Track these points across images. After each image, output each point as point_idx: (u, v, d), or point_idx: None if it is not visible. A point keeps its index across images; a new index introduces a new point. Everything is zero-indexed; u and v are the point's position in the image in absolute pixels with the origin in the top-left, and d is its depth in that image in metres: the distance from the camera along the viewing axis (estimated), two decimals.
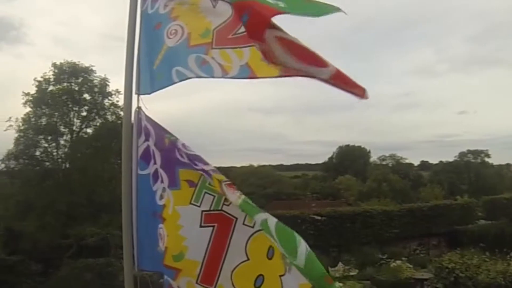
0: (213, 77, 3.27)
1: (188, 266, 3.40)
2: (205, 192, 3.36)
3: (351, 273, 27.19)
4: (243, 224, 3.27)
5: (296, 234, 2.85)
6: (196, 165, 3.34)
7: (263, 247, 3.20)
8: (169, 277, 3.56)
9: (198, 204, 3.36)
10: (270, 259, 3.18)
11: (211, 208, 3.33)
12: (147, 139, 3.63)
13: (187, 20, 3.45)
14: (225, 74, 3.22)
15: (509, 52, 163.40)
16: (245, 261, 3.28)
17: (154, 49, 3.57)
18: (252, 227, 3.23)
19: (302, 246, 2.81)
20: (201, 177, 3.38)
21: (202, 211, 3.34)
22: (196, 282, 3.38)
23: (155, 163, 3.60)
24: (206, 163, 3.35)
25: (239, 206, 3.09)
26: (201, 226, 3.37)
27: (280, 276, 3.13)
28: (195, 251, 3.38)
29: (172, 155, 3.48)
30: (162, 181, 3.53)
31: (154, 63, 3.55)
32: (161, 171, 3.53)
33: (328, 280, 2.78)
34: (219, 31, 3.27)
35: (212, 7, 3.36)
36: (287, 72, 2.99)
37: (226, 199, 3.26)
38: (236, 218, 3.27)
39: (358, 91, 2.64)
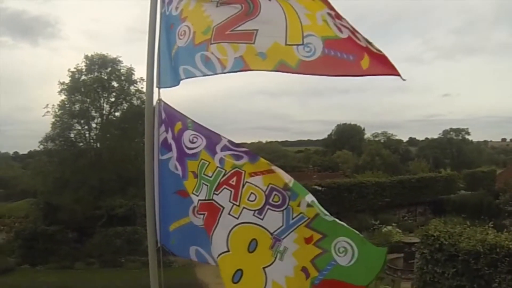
0: (215, 73, 3.22)
1: None
2: (203, 183, 3.30)
3: None
4: (229, 214, 3.20)
5: None
6: (215, 153, 3.32)
7: (245, 240, 3.14)
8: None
9: (197, 194, 3.32)
10: (251, 252, 3.11)
11: (205, 198, 3.28)
12: (166, 130, 3.59)
13: (193, 20, 3.39)
14: (223, 69, 3.19)
15: (488, 42, 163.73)
16: (226, 252, 3.20)
17: (170, 48, 3.51)
18: (237, 218, 3.17)
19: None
20: (199, 166, 3.32)
21: (199, 200, 3.30)
22: None
23: (172, 151, 3.56)
24: (238, 151, 3.34)
25: (293, 186, 3.16)
26: (197, 215, 3.42)
27: (264, 267, 3.08)
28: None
29: (180, 146, 3.45)
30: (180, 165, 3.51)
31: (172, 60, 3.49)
32: (176, 163, 3.49)
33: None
34: (219, 28, 3.22)
35: (215, 7, 3.30)
36: (282, 68, 3.02)
37: (217, 188, 3.22)
38: (223, 208, 3.21)
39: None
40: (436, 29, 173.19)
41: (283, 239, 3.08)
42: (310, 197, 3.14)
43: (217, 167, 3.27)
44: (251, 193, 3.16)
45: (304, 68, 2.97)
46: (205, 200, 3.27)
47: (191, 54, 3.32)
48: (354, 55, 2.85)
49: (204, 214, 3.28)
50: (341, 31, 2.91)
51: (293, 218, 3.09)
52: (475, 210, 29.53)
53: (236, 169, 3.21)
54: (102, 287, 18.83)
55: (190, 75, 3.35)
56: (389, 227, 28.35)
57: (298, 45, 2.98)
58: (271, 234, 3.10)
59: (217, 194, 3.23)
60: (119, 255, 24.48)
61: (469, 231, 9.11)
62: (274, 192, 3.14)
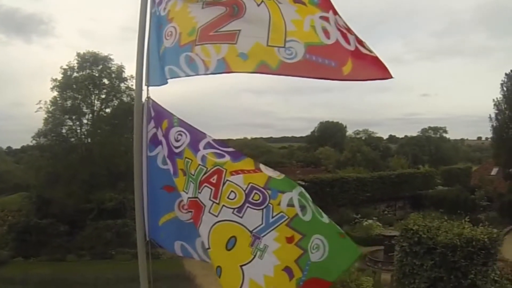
0: (197, 74, 3.19)
1: None
2: (190, 180, 3.28)
3: None
4: (209, 212, 3.17)
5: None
6: (197, 150, 3.28)
7: (223, 238, 3.11)
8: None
9: (187, 191, 3.30)
10: (229, 250, 3.08)
11: (192, 195, 3.26)
12: (155, 127, 3.57)
13: (179, 21, 3.36)
14: (206, 70, 3.15)
15: (466, 45, 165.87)
16: (208, 249, 3.21)
17: (159, 48, 3.47)
18: (217, 216, 3.14)
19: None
20: (184, 164, 3.31)
21: (188, 197, 3.29)
22: None
23: (163, 148, 3.54)
24: (222, 149, 3.32)
25: (277, 183, 3.14)
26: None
27: (241, 265, 3.04)
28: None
29: (169, 144, 3.43)
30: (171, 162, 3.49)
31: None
32: (167, 160, 3.48)
33: (341, 236, 3.30)
34: (203, 29, 3.19)
35: (201, 8, 3.27)
36: (262, 69, 3.00)
37: (199, 186, 3.20)
38: (205, 205, 3.18)
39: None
40: (417, 31, 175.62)
41: (262, 237, 3.04)
42: (297, 191, 3.15)
43: (199, 164, 3.24)
44: (231, 191, 3.13)
45: (284, 69, 2.94)
46: (192, 197, 3.25)
47: (176, 54, 3.30)
48: (336, 61, 2.84)
49: (192, 212, 3.27)
50: (328, 37, 2.89)
51: (273, 217, 3.05)
52: (452, 205, 29.72)
53: (217, 167, 3.18)
54: (93, 278, 18.77)
55: (174, 75, 3.33)
56: (370, 221, 28.56)
57: (279, 47, 2.96)
58: (251, 232, 3.06)
59: (200, 192, 3.20)
60: (109, 248, 24.55)
61: (447, 225, 9.17)
62: (254, 191, 3.10)
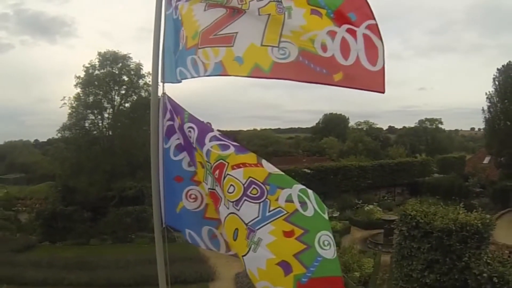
0: (199, 76, 3.19)
1: None
2: (208, 173, 3.28)
3: (334, 215, 27.36)
4: (224, 204, 3.16)
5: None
6: (203, 145, 3.25)
7: (231, 228, 3.09)
8: (212, 226, 3.58)
9: (206, 182, 3.31)
10: (235, 240, 3.06)
11: (211, 187, 3.26)
12: (170, 120, 3.58)
13: (186, 25, 3.35)
14: (205, 72, 3.14)
15: (460, 42, 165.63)
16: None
17: (176, 48, 3.47)
18: (228, 208, 3.12)
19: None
20: (201, 157, 3.30)
21: (208, 188, 3.30)
22: None
23: (178, 138, 3.56)
24: (223, 143, 3.27)
25: (276, 179, 3.07)
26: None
27: (243, 256, 3.00)
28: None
29: (187, 139, 3.43)
30: (189, 154, 3.49)
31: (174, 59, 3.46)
32: (185, 152, 3.53)
33: None
34: (204, 33, 3.16)
35: (203, 11, 3.24)
36: (256, 73, 2.94)
37: (217, 180, 3.17)
38: (221, 198, 3.18)
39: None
40: (413, 30, 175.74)
41: (257, 230, 2.96)
42: (297, 188, 3.03)
43: (205, 160, 3.23)
44: (231, 185, 3.08)
45: (277, 71, 2.88)
46: (211, 189, 3.26)
47: (184, 57, 3.30)
48: (328, 70, 2.78)
49: (211, 202, 3.30)
50: (324, 51, 2.79)
51: (270, 211, 2.97)
52: (447, 192, 29.66)
53: (220, 160, 3.14)
54: (114, 260, 18.85)
55: (183, 77, 3.34)
56: (371, 206, 28.55)
57: (273, 46, 2.90)
58: (246, 224, 3.00)
59: (217, 186, 3.19)
60: (129, 232, 24.73)
61: (442, 211, 9.14)
62: (253, 185, 3.04)
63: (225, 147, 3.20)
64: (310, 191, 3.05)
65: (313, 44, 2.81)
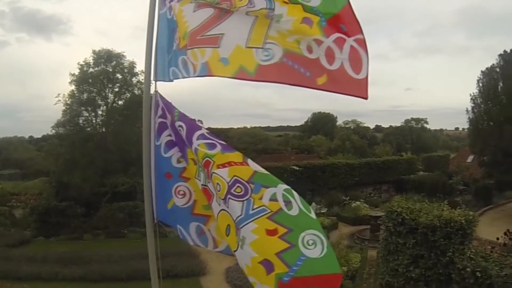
0: (189, 76, 3.17)
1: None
2: (200, 170, 3.27)
3: (322, 211, 27.43)
4: (215, 200, 3.14)
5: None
6: (191, 143, 3.24)
7: (224, 225, 3.06)
8: (200, 222, 3.55)
9: (200, 179, 3.29)
10: (227, 236, 3.03)
11: (204, 183, 3.25)
12: (162, 117, 3.56)
13: (179, 25, 3.32)
14: (194, 73, 3.12)
15: (446, 44, 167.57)
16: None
17: (170, 47, 3.46)
18: (219, 204, 3.10)
19: (311, 206, 2.91)
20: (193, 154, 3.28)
21: (202, 184, 3.27)
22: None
23: (168, 135, 3.54)
24: (208, 140, 3.24)
25: (261, 178, 3.02)
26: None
27: (234, 251, 2.99)
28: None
29: (179, 136, 3.41)
30: (179, 150, 3.47)
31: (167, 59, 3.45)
32: (177, 148, 3.51)
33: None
34: (192, 33, 3.13)
35: (192, 12, 3.21)
36: (241, 75, 2.90)
37: (208, 176, 3.14)
38: (213, 195, 3.15)
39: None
40: (402, 31, 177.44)
41: (241, 228, 2.93)
42: (282, 187, 2.97)
43: (196, 158, 3.24)
44: (217, 183, 3.05)
45: (261, 73, 2.83)
46: (204, 185, 3.24)
47: (177, 57, 3.30)
48: (311, 72, 2.73)
49: (205, 197, 3.26)
50: (310, 53, 2.76)
51: (253, 209, 2.92)
52: (432, 189, 29.85)
53: (206, 158, 3.11)
54: (108, 255, 18.80)
55: (175, 76, 3.33)
56: (358, 203, 28.65)
57: (257, 48, 2.86)
58: (234, 221, 2.98)
59: (209, 182, 3.17)
60: (122, 227, 24.64)
61: (427, 208, 9.19)
62: (237, 184, 3.00)
63: (211, 146, 3.17)
64: (294, 192, 2.99)
65: (298, 45, 2.78)
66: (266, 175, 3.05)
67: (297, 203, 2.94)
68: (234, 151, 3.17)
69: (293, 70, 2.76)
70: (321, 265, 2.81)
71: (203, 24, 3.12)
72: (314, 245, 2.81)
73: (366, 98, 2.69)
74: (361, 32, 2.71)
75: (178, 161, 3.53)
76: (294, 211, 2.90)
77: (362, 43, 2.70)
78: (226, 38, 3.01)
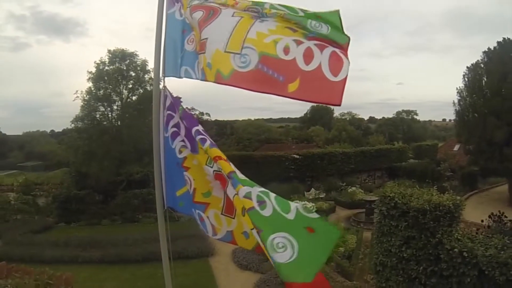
0: (202, 80, 3.07)
1: (215, 201, 3.40)
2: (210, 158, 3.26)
3: (320, 196, 27.55)
4: (229, 185, 3.08)
5: (290, 202, 2.86)
6: (196, 136, 3.27)
7: (239, 207, 2.95)
8: (200, 210, 3.53)
9: (211, 165, 3.25)
10: (243, 216, 2.92)
11: (217, 169, 3.20)
12: (169, 110, 3.59)
13: (195, 31, 3.28)
14: (202, 76, 3.08)
15: (434, 43, 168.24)
16: (235, 211, 3.21)
17: (178, 46, 3.43)
18: (234, 188, 3.01)
19: (293, 207, 2.79)
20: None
21: (214, 170, 3.23)
22: (221, 213, 3.39)
23: (173, 127, 3.57)
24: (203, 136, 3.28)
25: (243, 178, 3.00)
26: (215, 180, 3.29)
27: (251, 229, 2.84)
28: (217, 189, 3.36)
29: (184, 128, 3.47)
30: (182, 140, 3.46)
31: (178, 56, 3.41)
32: (185, 139, 3.46)
33: (309, 230, 2.74)
34: (197, 39, 3.14)
35: (190, 17, 3.25)
36: (218, 79, 2.84)
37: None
38: (228, 180, 3.08)
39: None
40: (394, 31, 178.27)
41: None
42: (257, 189, 2.89)
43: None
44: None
45: (235, 79, 2.73)
46: (217, 171, 3.20)
47: (194, 59, 3.24)
48: (284, 76, 2.57)
49: (219, 182, 3.23)
50: (286, 54, 2.61)
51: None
52: (421, 175, 29.84)
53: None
54: (124, 239, 18.87)
55: (188, 76, 3.28)
56: (353, 188, 28.69)
57: (235, 53, 2.78)
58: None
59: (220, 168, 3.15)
60: (136, 213, 24.81)
61: (418, 193, 9.16)
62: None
63: (203, 141, 3.19)
64: (272, 194, 2.88)
65: (275, 46, 2.65)
66: (244, 179, 2.98)
67: (273, 203, 2.80)
68: (216, 147, 3.18)
69: (267, 76, 2.62)
70: (288, 271, 2.53)
71: (197, 27, 3.11)
72: (284, 249, 2.58)
73: (338, 105, 2.48)
74: (346, 52, 2.59)
75: (180, 152, 3.52)
76: (267, 212, 2.74)
77: (345, 53, 2.57)
78: (209, 43, 2.97)
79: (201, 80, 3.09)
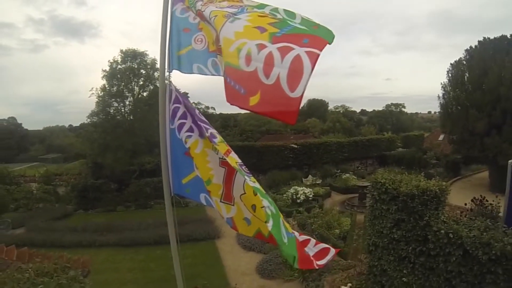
0: (219, 75, 3.05)
1: (215, 188, 3.36)
2: (214, 146, 3.30)
3: (317, 182, 27.54)
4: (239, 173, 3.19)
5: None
6: (206, 130, 3.30)
7: (250, 190, 3.09)
8: (207, 195, 3.53)
9: (217, 152, 3.30)
10: (255, 195, 3.03)
11: (222, 157, 3.25)
12: (176, 103, 3.57)
13: (206, 33, 3.29)
14: (222, 73, 3.02)
15: (420, 41, 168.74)
16: (243, 194, 3.18)
17: (180, 43, 3.41)
18: (244, 177, 3.14)
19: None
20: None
21: (219, 157, 3.28)
22: (220, 201, 3.36)
23: (180, 119, 3.53)
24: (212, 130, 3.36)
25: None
26: (219, 166, 3.34)
27: (261, 207, 2.97)
28: (218, 177, 3.35)
29: (190, 119, 3.50)
30: (187, 131, 3.47)
31: (180, 52, 3.40)
32: (193, 125, 3.46)
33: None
34: (215, 42, 3.06)
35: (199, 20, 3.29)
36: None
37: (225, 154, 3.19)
38: (236, 169, 3.15)
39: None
40: (382, 31, 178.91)
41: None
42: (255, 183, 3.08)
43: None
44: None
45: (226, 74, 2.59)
46: (222, 158, 3.26)
47: (205, 57, 3.25)
48: (246, 89, 2.37)
49: (225, 168, 3.29)
50: (247, 65, 2.39)
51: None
52: (409, 163, 29.93)
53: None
54: (137, 224, 18.96)
55: (201, 72, 3.26)
56: (347, 174, 28.75)
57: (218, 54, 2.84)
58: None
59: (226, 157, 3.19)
60: (149, 200, 24.94)
61: (407, 179, 9.10)
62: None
63: (201, 134, 3.30)
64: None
65: (238, 55, 2.45)
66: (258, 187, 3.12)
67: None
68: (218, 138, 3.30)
69: (231, 88, 2.46)
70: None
71: (216, 36, 3.02)
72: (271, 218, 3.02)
73: (292, 124, 2.31)
74: (321, 49, 2.31)
75: (185, 142, 3.48)
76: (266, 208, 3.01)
77: (314, 57, 2.26)
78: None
79: (218, 75, 3.10)
